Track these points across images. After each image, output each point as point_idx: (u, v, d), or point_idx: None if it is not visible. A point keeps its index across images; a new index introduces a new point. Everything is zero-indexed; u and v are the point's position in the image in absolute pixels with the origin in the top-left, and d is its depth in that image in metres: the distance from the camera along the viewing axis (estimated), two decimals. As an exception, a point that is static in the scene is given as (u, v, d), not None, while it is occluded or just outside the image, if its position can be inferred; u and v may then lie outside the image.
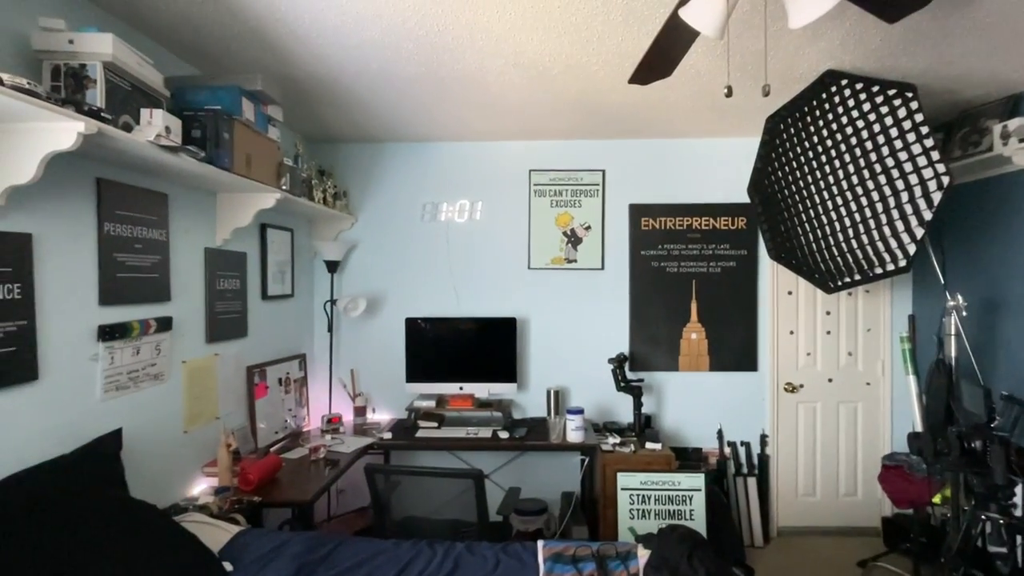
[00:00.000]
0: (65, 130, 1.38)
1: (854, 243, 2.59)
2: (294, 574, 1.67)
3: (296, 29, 1.99)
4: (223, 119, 1.99)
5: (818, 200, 2.70)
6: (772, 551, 3.21)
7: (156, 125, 1.69)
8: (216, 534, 1.84)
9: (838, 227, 2.64)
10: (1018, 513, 2.00)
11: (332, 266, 3.36)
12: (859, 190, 2.53)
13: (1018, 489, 2.00)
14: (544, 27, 1.97)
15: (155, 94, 1.80)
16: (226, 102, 2.05)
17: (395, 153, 3.51)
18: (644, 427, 3.21)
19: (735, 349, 3.42)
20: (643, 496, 2.81)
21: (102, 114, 1.48)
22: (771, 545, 3.27)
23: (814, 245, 2.76)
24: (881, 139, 2.42)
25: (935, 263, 2.96)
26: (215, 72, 2.32)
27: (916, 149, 2.34)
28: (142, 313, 1.99)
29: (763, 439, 3.41)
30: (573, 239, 3.46)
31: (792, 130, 2.72)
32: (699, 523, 2.76)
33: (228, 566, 1.66)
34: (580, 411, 2.98)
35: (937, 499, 2.68)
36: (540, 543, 1.92)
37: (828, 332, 3.43)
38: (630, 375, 3.32)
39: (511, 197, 3.48)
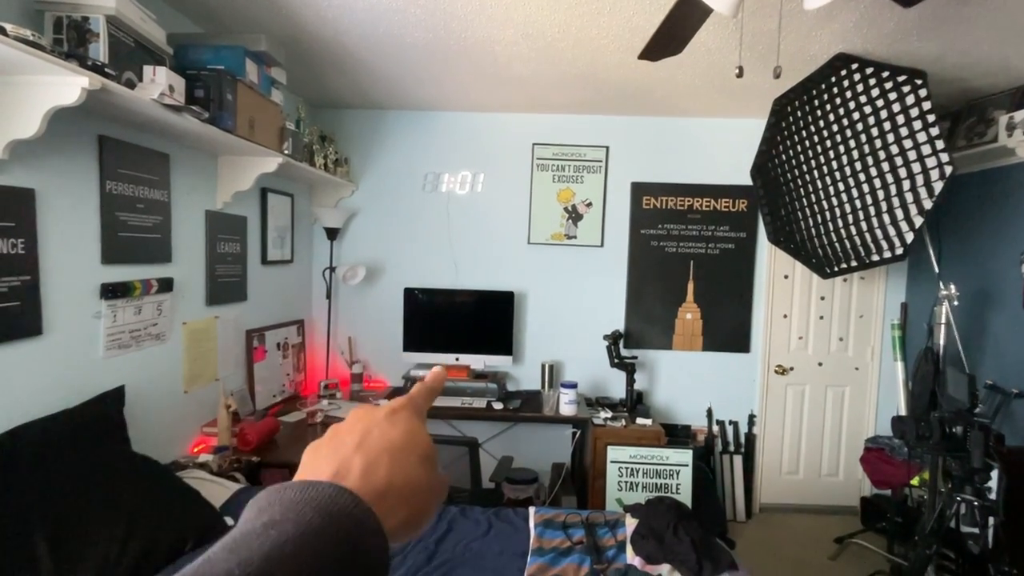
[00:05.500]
0: (69, 84, 1.37)
1: (853, 229, 2.61)
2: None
3: (302, -11, 1.95)
4: (227, 80, 1.96)
5: (820, 185, 2.70)
6: (753, 526, 3.32)
7: (159, 83, 1.67)
8: (216, 491, 1.89)
9: (838, 213, 2.65)
10: (992, 496, 2.08)
11: (332, 233, 3.36)
12: (862, 176, 2.54)
13: (994, 473, 2.07)
14: (555, -3, 1.94)
15: (158, 51, 1.77)
16: (230, 62, 2.02)
17: (398, 121, 3.47)
18: (636, 403, 3.27)
19: (729, 330, 3.47)
20: (632, 469, 2.89)
21: (106, 69, 1.46)
22: (753, 520, 3.39)
23: (813, 230, 2.78)
24: (887, 125, 2.42)
25: (931, 252, 2.99)
26: (217, 31, 2.28)
27: (921, 137, 2.34)
28: (144, 273, 2.00)
29: (751, 419, 3.48)
30: (574, 215, 3.46)
31: (799, 113, 2.70)
32: (685, 497, 2.84)
33: (229, 520, 1.72)
34: (574, 385, 3.04)
35: (915, 481, 2.77)
36: (531, 509, 1.98)
37: (821, 317, 3.47)
38: (624, 352, 3.37)
39: (513, 170, 3.46)
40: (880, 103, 2.41)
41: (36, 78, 1.36)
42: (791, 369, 3.48)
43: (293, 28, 2.27)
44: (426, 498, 0.35)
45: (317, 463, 0.33)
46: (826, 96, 2.55)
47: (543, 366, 3.29)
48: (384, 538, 0.29)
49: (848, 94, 2.48)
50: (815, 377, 3.50)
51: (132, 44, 1.66)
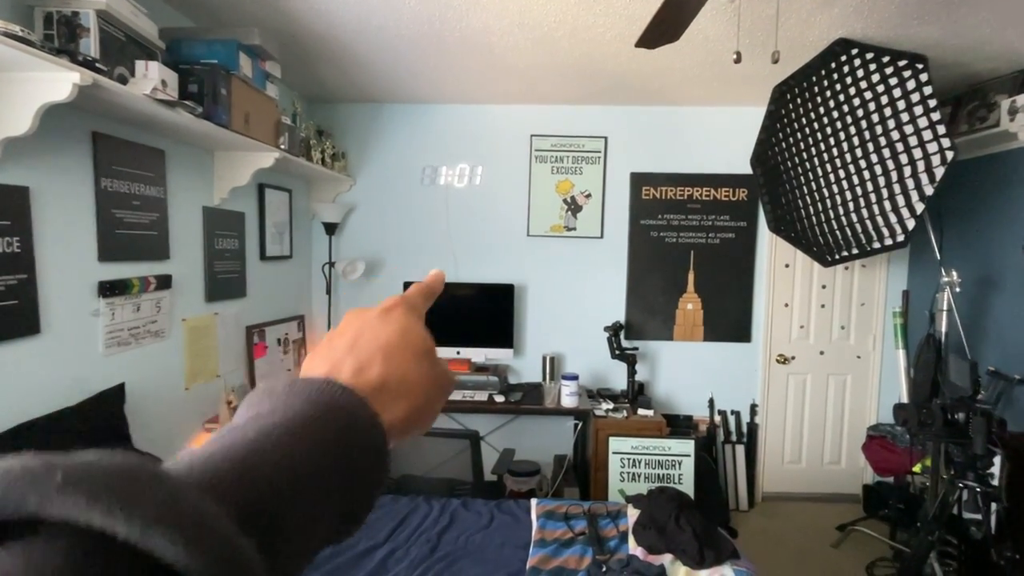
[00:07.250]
0: (60, 81, 1.36)
1: (854, 217, 2.59)
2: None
3: (295, -19, 1.93)
4: (220, 74, 1.95)
5: (820, 173, 2.68)
6: (756, 515, 3.33)
7: (152, 78, 1.65)
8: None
9: (839, 200, 2.64)
10: (994, 482, 2.08)
11: (330, 228, 3.35)
12: (862, 163, 2.52)
13: (996, 459, 2.07)
14: (551, -15, 1.92)
15: (150, 46, 1.75)
16: (223, 56, 2.00)
17: (394, 114, 3.45)
18: (637, 394, 3.27)
19: (730, 320, 3.46)
20: (634, 460, 2.89)
21: (97, 65, 1.45)
22: (755, 509, 3.39)
23: (814, 218, 2.76)
24: (888, 111, 2.39)
25: (932, 239, 2.97)
26: (210, 24, 2.26)
27: (923, 122, 2.32)
28: (142, 270, 1.99)
29: (753, 408, 3.48)
30: (573, 207, 3.45)
31: (799, 100, 2.68)
32: (688, 487, 2.84)
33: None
34: (575, 377, 3.03)
35: (917, 468, 2.77)
36: (534, 501, 1.98)
37: (823, 305, 3.46)
38: (625, 343, 3.36)
39: (511, 162, 3.44)
40: (880, 88, 2.39)
41: (27, 74, 1.35)
42: (793, 358, 3.48)
43: (286, 21, 2.25)
44: (427, 392, 0.35)
45: (311, 370, 0.33)
46: (826, 82, 2.52)
47: (544, 358, 3.28)
48: (381, 429, 0.29)
49: (848, 80, 2.45)
50: (817, 366, 3.49)
51: (123, 39, 1.64)
